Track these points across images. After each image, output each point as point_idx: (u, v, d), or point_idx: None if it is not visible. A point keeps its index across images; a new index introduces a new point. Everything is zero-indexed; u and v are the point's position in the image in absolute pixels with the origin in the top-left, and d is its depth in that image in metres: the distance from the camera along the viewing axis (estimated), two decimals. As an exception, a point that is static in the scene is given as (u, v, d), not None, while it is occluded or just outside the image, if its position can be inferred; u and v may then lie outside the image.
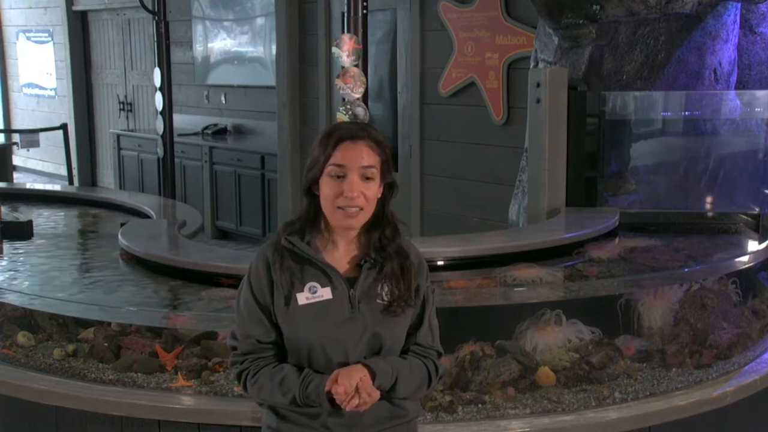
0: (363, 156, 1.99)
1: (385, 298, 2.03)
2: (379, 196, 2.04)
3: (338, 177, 1.98)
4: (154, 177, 8.24)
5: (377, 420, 2.05)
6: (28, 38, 12.20)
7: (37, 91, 12.24)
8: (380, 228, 2.06)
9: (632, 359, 3.11)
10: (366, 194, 1.99)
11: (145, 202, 5.16)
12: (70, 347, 3.13)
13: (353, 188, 1.97)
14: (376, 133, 2.05)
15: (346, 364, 1.98)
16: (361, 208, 1.99)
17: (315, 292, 2.01)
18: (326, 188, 1.99)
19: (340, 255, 2.06)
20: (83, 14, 11.18)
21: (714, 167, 4.65)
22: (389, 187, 2.07)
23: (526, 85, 4.50)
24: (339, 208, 1.98)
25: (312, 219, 2.06)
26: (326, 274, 2.03)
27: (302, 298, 2.01)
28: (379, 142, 2.03)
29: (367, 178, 2.00)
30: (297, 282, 2.02)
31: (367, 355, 2.02)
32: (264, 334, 2.04)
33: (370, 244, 2.06)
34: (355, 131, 2.02)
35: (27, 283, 3.66)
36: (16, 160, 11.82)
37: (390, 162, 2.05)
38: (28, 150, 10.74)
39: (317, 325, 2.00)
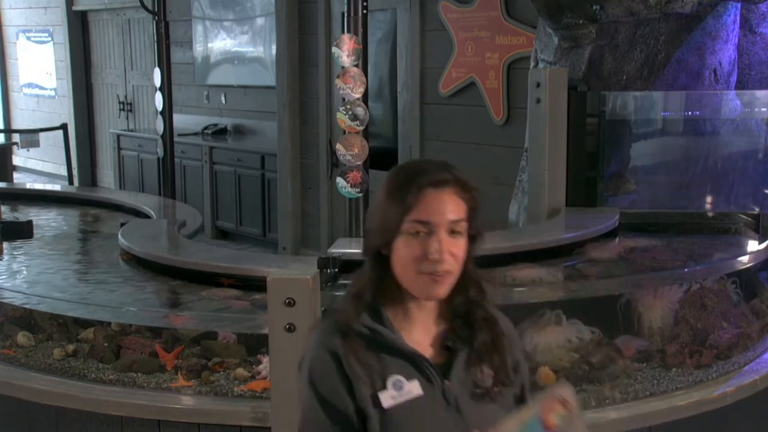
0: (450, 207, 1.62)
1: (484, 384, 1.65)
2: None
3: (419, 235, 1.60)
4: (154, 177, 8.24)
5: None
6: (28, 38, 12.19)
7: (37, 91, 12.23)
8: (463, 290, 1.69)
9: (632, 359, 3.11)
10: (456, 254, 1.62)
11: (145, 202, 5.16)
12: (70, 347, 3.13)
13: (442, 248, 1.60)
14: (460, 172, 1.67)
15: None
16: (451, 272, 1.63)
17: (401, 388, 1.61)
18: (405, 250, 1.60)
19: (420, 333, 1.67)
20: (83, 14, 11.18)
21: (714, 167, 4.65)
22: (473, 239, 1.68)
23: (526, 85, 4.50)
24: (424, 273, 1.60)
25: (380, 287, 1.66)
26: (411, 363, 1.63)
27: (386, 397, 1.59)
28: (466, 185, 1.66)
29: (455, 233, 1.63)
30: (376, 376, 1.61)
31: None
32: None
33: (452, 314, 1.70)
34: (439, 175, 1.63)
35: (27, 283, 3.66)
36: (16, 160, 11.82)
37: (478, 208, 1.68)
38: (28, 150, 10.73)
39: (409, 431, 1.60)
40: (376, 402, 1.60)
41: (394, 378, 1.61)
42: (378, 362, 1.61)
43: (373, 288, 1.66)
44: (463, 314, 1.70)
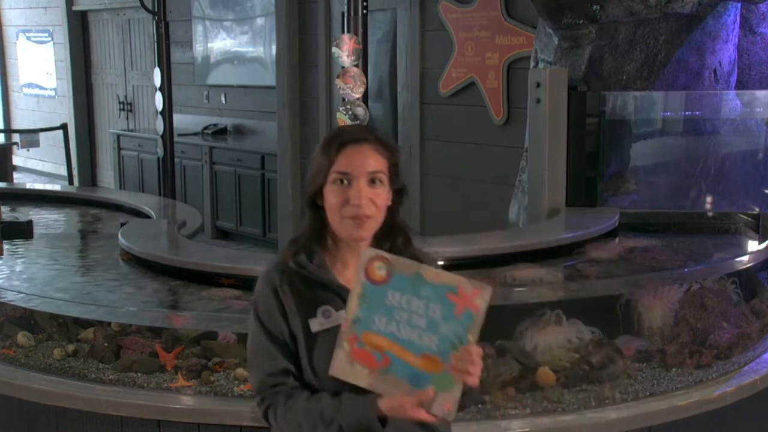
0: (369, 161, 1.85)
1: None
2: (389, 203, 1.90)
3: (343, 183, 1.84)
4: (154, 177, 8.24)
5: None
6: (28, 38, 12.19)
7: (37, 91, 12.24)
8: (391, 238, 1.92)
9: (632, 359, 3.11)
10: (375, 201, 1.85)
11: (145, 202, 5.16)
12: (70, 347, 3.13)
13: (361, 195, 1.83)
14: (383, 135, 1.91)
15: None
16: (370, 217, 1.85)
17: (329, 317, 1.86)
18: (331, 197, 1.85)
19: (351, 272, 1.89)
20: (83, 14, 11.18)
21: (714, 167, 4.65)
22: (398, 193, 1.92)
23: (526, 85, 4.50)
24: (346, 217, 1.84)
25: (318, 233, 1.92)
26: (340, 296, 1.86)
27: (315, 324, 1.86)
28: (386, 144, 1.89)
29: (375, 183, 1.86)
30: (309, 307, 1.87)
31: None
32: (283, 368, 1.87)
33: None
34: (359, 134, 1.89)
35: (27, 283, 3.66)
36: (16, 160, 11.82)
37: (399, 166, 1.91)
38: (28, 150, 10.74)
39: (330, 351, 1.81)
40: (306, 327, 1.87)
41: (323, 308, 1.87)
42: (310, 294, 1.88)
43: (310, 233, 1.92)
44: None
